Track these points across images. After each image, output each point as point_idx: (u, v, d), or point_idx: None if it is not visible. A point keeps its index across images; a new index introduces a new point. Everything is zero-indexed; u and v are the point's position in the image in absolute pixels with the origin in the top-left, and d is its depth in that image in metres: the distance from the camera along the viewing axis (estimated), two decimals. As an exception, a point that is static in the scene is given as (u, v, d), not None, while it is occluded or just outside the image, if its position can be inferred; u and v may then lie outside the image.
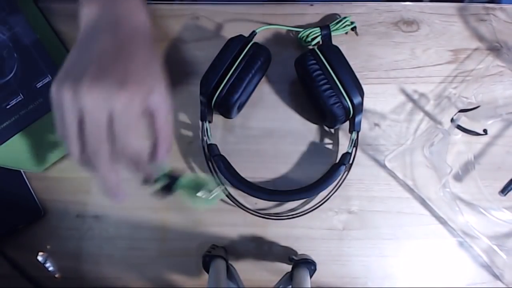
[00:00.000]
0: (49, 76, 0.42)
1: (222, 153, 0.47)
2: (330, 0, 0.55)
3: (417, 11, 0.54)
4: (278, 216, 0.48)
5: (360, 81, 0.45)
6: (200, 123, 0.47)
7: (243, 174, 0.46)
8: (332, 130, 0.51)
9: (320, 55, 0.45)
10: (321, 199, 0.47)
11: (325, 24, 0.50)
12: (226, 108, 0.45)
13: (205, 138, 0.47)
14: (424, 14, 0.54)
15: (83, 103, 0.30)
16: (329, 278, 0.48)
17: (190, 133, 0.51)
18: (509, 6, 0.54)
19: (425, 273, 0.48)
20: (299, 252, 0.48)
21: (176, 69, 0.53)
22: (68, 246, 0.49)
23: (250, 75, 0.45)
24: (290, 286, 0.41)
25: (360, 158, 0.50)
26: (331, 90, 0.44)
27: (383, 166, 0.50)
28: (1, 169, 0.45)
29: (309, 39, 0.50)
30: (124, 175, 0.51)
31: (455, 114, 0.49)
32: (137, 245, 0.49)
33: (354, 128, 0.46)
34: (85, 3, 0.35)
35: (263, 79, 0.51)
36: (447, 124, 0.50)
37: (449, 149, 0.50)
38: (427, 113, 0.51)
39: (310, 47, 0.51)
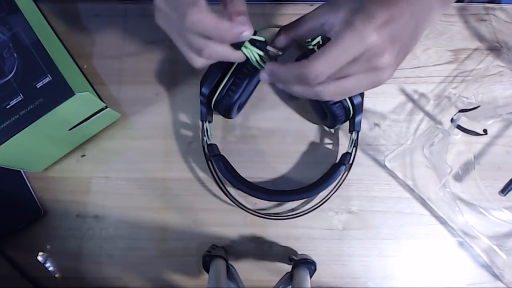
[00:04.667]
0: (49, 76, 0.42)
1: (222, 153, 0.47)
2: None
3: (417, 11, 0.54)
4: (278, 216, 0.48)
5: (360, 81, 0.45)
6: (200, 123, 0.47)
7: (243, 174, 0.46)
8: (332, 130, 0.51)
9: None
10: (321, 199, 0.47)
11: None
12: (226, 108, 0.45)
13: (205, 138, 0.47)
14: (424, 14, 0.54)
15: None
16: (329, 278, 0.48)
17: (190, 133, 0.51)
18: (509, 6, 0.54)
19: (425, 273, 0.48)
20: (299, 252, 0.48)
21: (176, 69, 0.53)
22: (68, 246, 0.49)
23: (250, 75, 0.45)
24: (290, 286, 0.41)
25: (360, 158, 0.50)
26: (331, 90, 0.44)
27: (383, 166, 0.50)
28: (1, 169, 0.44)
29: (309, 39, 0.50)
30: (121, 174, 0.51)
31: (455, 114, 0.49)
32: (137, 245, 0.49)
33: (354, 128, 0.46)
34: None
35: (263, 79, 0.51)
36: (447, 124, 0.50)
37: (449, 149, 0.50)
38: (427, 113, 0.51)
39: (310, 47, 0.51)
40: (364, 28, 0.29)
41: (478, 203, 0.48)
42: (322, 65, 0.30)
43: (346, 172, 0.47)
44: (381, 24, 0.29)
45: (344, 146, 0.50)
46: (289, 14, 0.54)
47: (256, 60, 0.36)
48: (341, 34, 0.29)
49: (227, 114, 0.47)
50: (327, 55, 0.30)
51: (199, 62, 0.34)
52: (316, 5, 0.54)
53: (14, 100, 0.42)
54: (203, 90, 0.45)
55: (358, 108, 0.45)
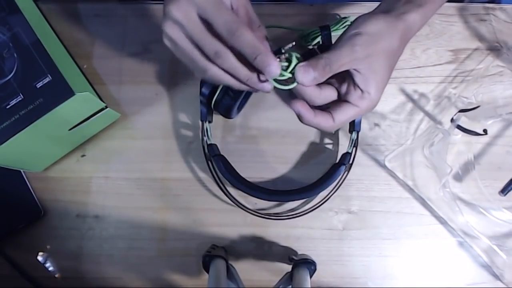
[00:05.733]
0: (49, 76, 0.42)
1: (222, 153, 0.47)
2: (330, 0, 0.55)
3: (417, 11, 0.54)
4: (278, 216, 0.48)
5: (360, 81, 0.45)
6: (200, 123, 0.47)
7: (243, 174, 0.46)
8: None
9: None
10: (321, 199, 0.47)
11: (325, 24, 0.50)
12: (226, 108, 0.45)
13: (205, 138, 0.47)
14: (424, 14, 0.54)
15: None
16: (329, 278, 0.48)
17: (190, 133, 0.51)
18: (509, 6, 0.54)
19: (425, 273, 0.48)
20: (299, 252, 0.48)
21: (176, 69, 0.53)
22: (68, 246, 0.49)
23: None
24: (290, 286, 0.41)
25: (360, 158, 0.50)
26: (331, 90, 0.44)
27: (383, 166, 0.50)
28: (1, 169, 0.44)
29: (309, 39, 0.50)
30: (121, 174, 0.51)
31: (455, 114, 0.49)
32: (137, 245, 0.49)
33: (354, 128, 0.46)
34: None
35: (263, 79, 0.51)
36: (447, 124, 0.50)
37: (449, 149, 0.50)
38: (427, 113, 0.51)
39: (310, 47, 0.51)
40: (376, 99, 0.36)
41: (478, 203, 0.48)
42: (341, 124, 0.37)
43: (346, 172, 0.47)
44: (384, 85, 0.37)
45: (344, 146, 0.50)
46: (289, 14, 0.54)
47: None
48: (361, 104, 0.36)
49: (227, 114, 0.47)
50: (347, 119, 0.37)
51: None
52: (316, 5, 0.54)
53: (14, 100, 0.42)
54: (203, 90, 0.45)
55: (358, 108, 0.45)
